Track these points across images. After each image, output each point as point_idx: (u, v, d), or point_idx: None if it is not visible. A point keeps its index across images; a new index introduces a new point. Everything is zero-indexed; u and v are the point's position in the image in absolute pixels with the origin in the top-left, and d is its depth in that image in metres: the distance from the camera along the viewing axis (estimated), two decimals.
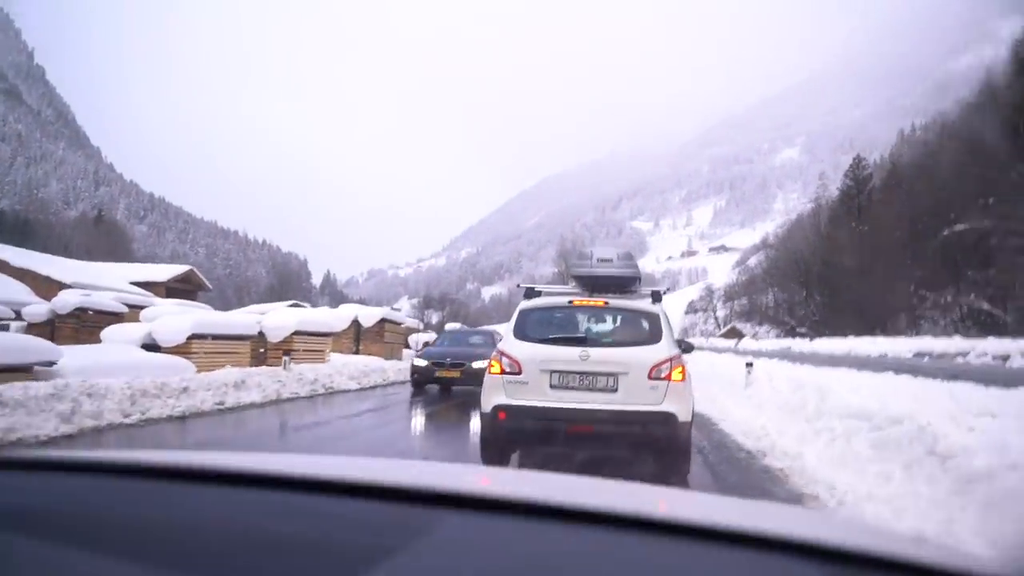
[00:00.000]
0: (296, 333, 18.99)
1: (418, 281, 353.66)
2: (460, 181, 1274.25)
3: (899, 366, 19.17)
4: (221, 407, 12.43)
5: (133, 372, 12.25)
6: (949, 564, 0.89)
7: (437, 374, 16.82)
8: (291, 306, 40.04)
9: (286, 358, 17.11)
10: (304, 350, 19.44)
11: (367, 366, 20.58)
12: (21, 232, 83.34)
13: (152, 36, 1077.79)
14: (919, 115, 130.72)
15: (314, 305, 55.35)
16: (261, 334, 18.60)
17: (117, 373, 11.88)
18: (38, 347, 11.67)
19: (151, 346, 15.47)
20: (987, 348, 27.76)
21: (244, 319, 19.46)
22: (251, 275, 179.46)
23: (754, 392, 13.66)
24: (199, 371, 14.50)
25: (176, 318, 16.66)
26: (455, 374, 16.56)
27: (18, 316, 23.43)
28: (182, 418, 11.06)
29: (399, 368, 21.93)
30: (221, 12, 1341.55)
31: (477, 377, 14.67)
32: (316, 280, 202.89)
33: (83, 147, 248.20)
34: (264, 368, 16.36)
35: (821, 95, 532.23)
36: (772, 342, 49.55)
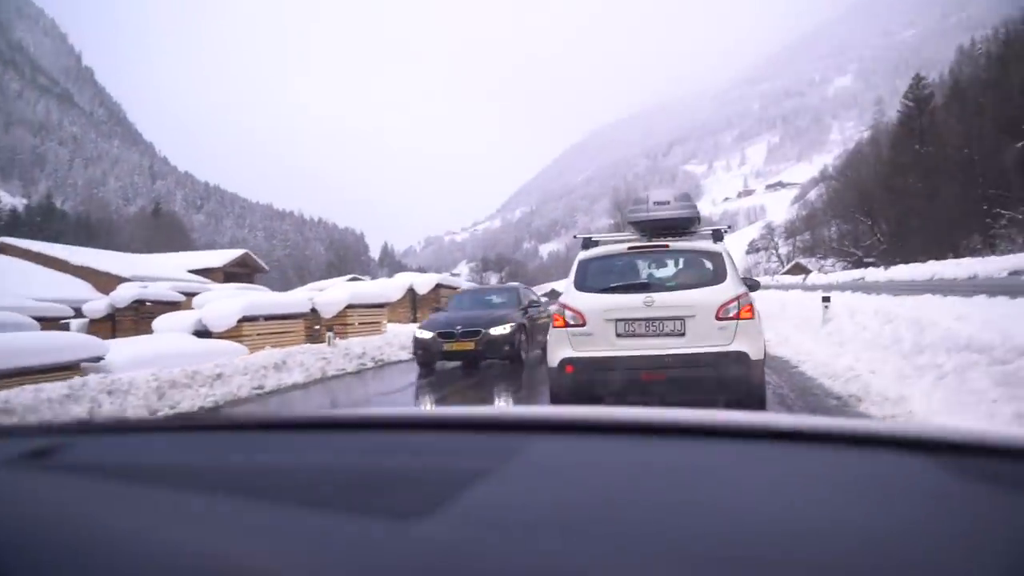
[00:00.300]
0: (349, 307, 18.52)
1: (475, 245, 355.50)
2: (509, 141, 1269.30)
3: (993, 288, 17.51)
4: (260, 391, 11.66)
5: (183, 360, 11.94)
6: None
7: (446, 348, 13.27)
8: (350, 280, 39.95)
9: (330, 333, 16.22)
10: (360, 323, 19.02)
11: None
12: (84, 231, 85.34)
13: (195, 26, 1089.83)
14: (977, 29, 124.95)
15: (373, 277, 55.42)
16: (314, 311, 18.19)
17: (167, 362, 11.59)
18: (84, 343, 11.40)
19: (203, 332, 15.18)
20: None
21: (296, 298, 19.07)
22: (309, 253, 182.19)
23: (834, 329, 12.29)
24: (251, 353, 14.15)
25: (225, 302, 16.33)
26: (468, 346, 13.12)
27: (79, 313, 23.56)
28: (215, 408, 10.31)
29: None
30: None
31: (497, 347, 13.13)
32: (374, 253, 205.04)
33: (137, 143, 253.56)
34: (308, 346, 15.62)
35: (871, 18, 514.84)
36: (842, 274, 47.75)
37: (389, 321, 22.05)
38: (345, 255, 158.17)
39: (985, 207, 49.40)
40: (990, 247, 49.19)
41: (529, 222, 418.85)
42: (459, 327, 13.27)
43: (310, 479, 0.93)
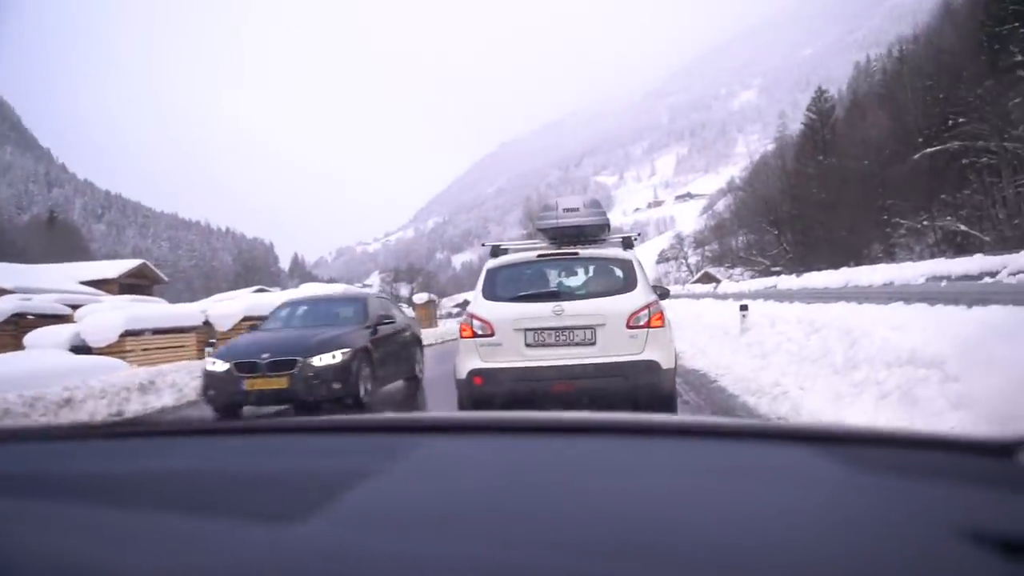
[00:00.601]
0: (246, 319, 17.49)
1: (387, 255, 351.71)
2: (421, 152, 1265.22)
3: (910, 294, 17.11)
4: (119, 418, 9.77)
5: (52, 379, 10.78)
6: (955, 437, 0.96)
7: (247, 386, 9.07)
8: (256, 291, 38.45)
9: (209, 348, 14.01)
10: None
11: None
12: None
13: (96, 31, 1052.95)
14: (871, 47, 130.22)
15: (283, 288, 53.77)
16: (208, 324, 17.08)
17: (31, 383, 10.38)
18: None
19: (81, 348, 13.96)
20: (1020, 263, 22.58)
21: (187, 310, 18.02)
22: (217, 264, 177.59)
23: (754, 339, 11.67)
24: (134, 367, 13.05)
25: (106, 315, 15.20)
26: (278, 383, 9.03)
27: None
28: None
29: None
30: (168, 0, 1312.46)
31: (320, 384, 9.14)
32: (284, 264, 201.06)
33: (31, 149, 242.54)
34: (186, 363, 14.09)
35: (773, 36, 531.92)
36: (753, 282, 48.26)
37: None
38: (253, 266, 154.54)
39: (885, 217, 50.78)
40: (890, 256, 50.60)
41: (442, 232, 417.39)
42: (266, 355, 9.14)
43: (188, 484, 0.92)
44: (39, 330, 15.40)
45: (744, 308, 13.46)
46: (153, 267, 42.92)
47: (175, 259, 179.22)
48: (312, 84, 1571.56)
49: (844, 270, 27.97)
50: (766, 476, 0.86)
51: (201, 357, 15.62)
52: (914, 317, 9.47)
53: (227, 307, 17.82)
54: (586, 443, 1.02)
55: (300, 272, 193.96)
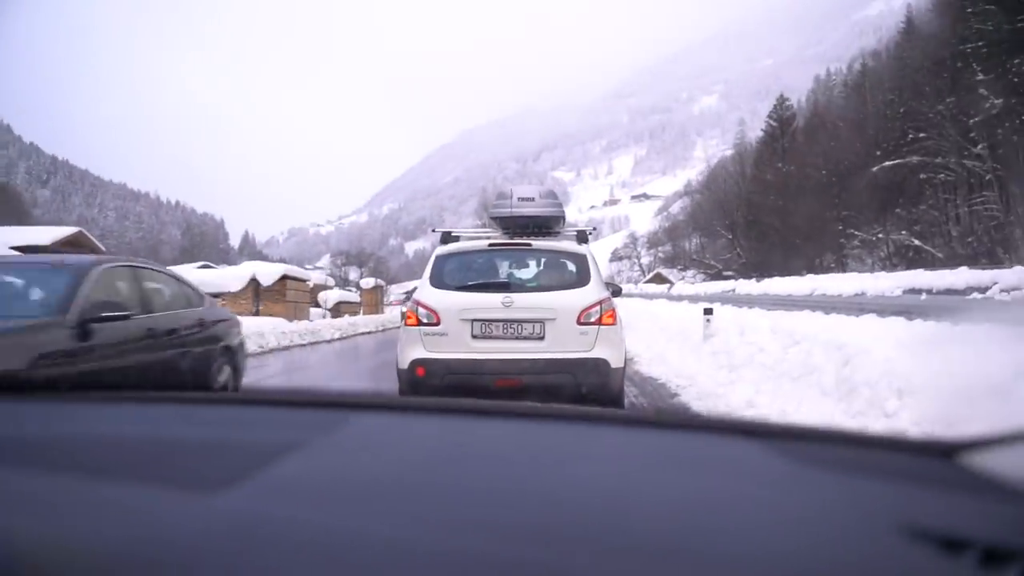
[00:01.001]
0: None
1: (340, 238, 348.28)
2: (379, 136, 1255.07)
3: (883, 306, 15.87)
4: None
5: None
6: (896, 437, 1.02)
7: None
8: (200, 267, 36.93)
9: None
10: None
11: (254, 330, 17.29)
12: None
13: None
14: (831, 61, 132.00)
15: (232, 265, 52.17)
16: None
17: None
18: None
19: None
20: (1011, 280, 21.09)
21: None
22: (164, 238, 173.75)
23: (720, 348, 10.51)
24: None
25: None
26: None
27: None
28: None
29: (304, 330, 19.24)
30: None
31: None
32: (234, 241, 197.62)
33: None
34: None
35: (735, 45, 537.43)
36: (709, 285, 47.60)
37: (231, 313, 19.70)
38: (202, 241, 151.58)
39: (840, 227, 50.88)
40: (842, 266, 50.77)
41: (396, 219, 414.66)
42: None
43: (101, 450, 0.90)
44: None
45: (708, 312, 12.30)
46: (91, 236, 40.94)
47: (121, 230, 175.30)
48: (273, 62, 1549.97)
49: (810, 277, 27.00)
50: (711, 467, 0.87)
51: None
52: (926, 335, 8.26)
53: None
54: (525, 428, 1.02)
55: (250, 250, 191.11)
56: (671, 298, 37.66)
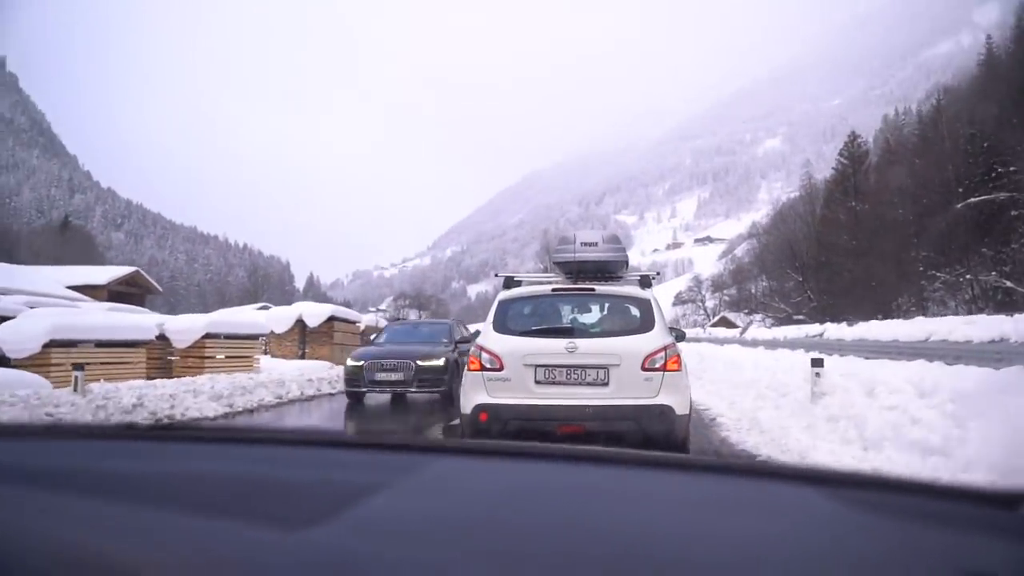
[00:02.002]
0: (208, 336, 15.20)
1: (403, 281, 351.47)
2: (443, 179, 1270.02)
3: None
4: (135, 422, 6.85)
5: None
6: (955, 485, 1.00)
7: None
8: (259, 308, 36.60)
9: (77, 373, 11.24)
10: (227, 356, 15.71)
11: (285, 374, 16.00)
12: None
13: (129, 42, 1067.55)
14: (898, 102, 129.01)
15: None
16: (163, 338, 14.82)
17: None
18: None
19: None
20: None
21: (138, 321, 15.66)
22: (231, 279, 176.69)
23: (837, 411, 8.16)
24: (57, 387, 10.79)
25: (28, 321, 12.91)
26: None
27: None
28: None
29: (336, 377, 17.65)
30: (199, 17, 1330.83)
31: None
32: (299, 283, 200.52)
33: (58, 155, 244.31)
34: (63, 393, 11.08)
35: (799, 85, 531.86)
36: (789, 329, 44.58)
37: (277, 356, 18.84)
38: (267, 283, 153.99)
39: (921, 268, 48.38)
40: (922, 309, 48.10)
41: (459, 261, 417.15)
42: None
43: (198, 487, 0.95)
44: None
45: (818, 364, 9.61)
46: (147, 276, 41.14)
47: (191, 272, 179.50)
48: (340, 108, 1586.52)
49: (920, 320, 23.92)
50: (775, 513, 0.88)
51: (150, 377, 13.49)
52: None
53: (186, 321, 15.59)
54: (590, 472, 1.06)
55: (315, 292, 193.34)
56: (745, 343, 35.63)
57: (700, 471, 1.06)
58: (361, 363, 13.41)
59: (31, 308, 20.59)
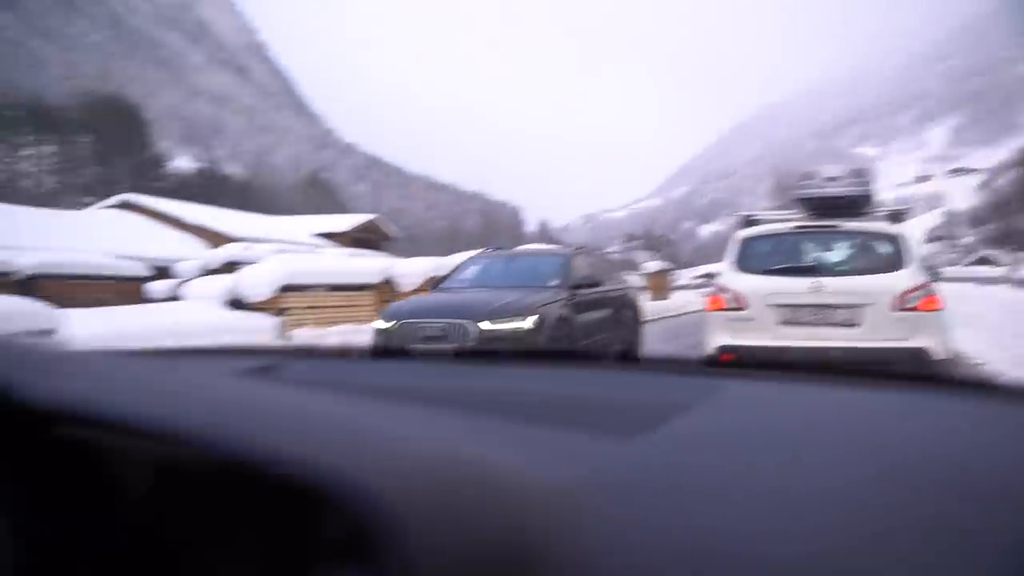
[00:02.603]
0: (432, 279, 15.26)
1: (633, 223, 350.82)
2: (671, 119, 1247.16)
3: None
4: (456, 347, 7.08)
5: (179, 338, 8.96)
6: None
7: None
8: (484, 251, 37.07)
9: (279, 319, 11.13)
10: None
11: None
12: (243, 196, 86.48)
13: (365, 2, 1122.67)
14: None
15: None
16: (389, 283, 14.93)
17: (154, 341, 8.65)
18: (25, 312, 8.49)
19: (238, 302, 12.26)
20: None
21: (364, 265, 15.85)
22: (463, 226, 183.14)
23: None
24: (289, 330, 11.03)
25: (264, 266, 13.29)
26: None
27: (162, 275, 21.58)
28: None
29: None
30: None
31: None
32: (530, 227, 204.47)
33: (305, 115, 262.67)
34: (351, 327, 11.78)
35: None
36: None
37: None
38: (498, 228, 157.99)
39: None
40: None
41: (689, 202, 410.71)
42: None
43: (534, 402, 1.03)
44: (199, 280, 13.99)
45: None
46: (382, 223, 42.83)
47: (427, 219, 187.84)
48: (565, 51, 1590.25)
49: None
50: None
51: None
52: None
53: (410, 266, 15.59)
54: (884, 396, 1.09)
55: (546, 236, 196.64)
56: (1017, 284, 31.85)
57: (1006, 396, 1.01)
58: (392, 323, 8.02)
59: (280, 254, 21.94)
